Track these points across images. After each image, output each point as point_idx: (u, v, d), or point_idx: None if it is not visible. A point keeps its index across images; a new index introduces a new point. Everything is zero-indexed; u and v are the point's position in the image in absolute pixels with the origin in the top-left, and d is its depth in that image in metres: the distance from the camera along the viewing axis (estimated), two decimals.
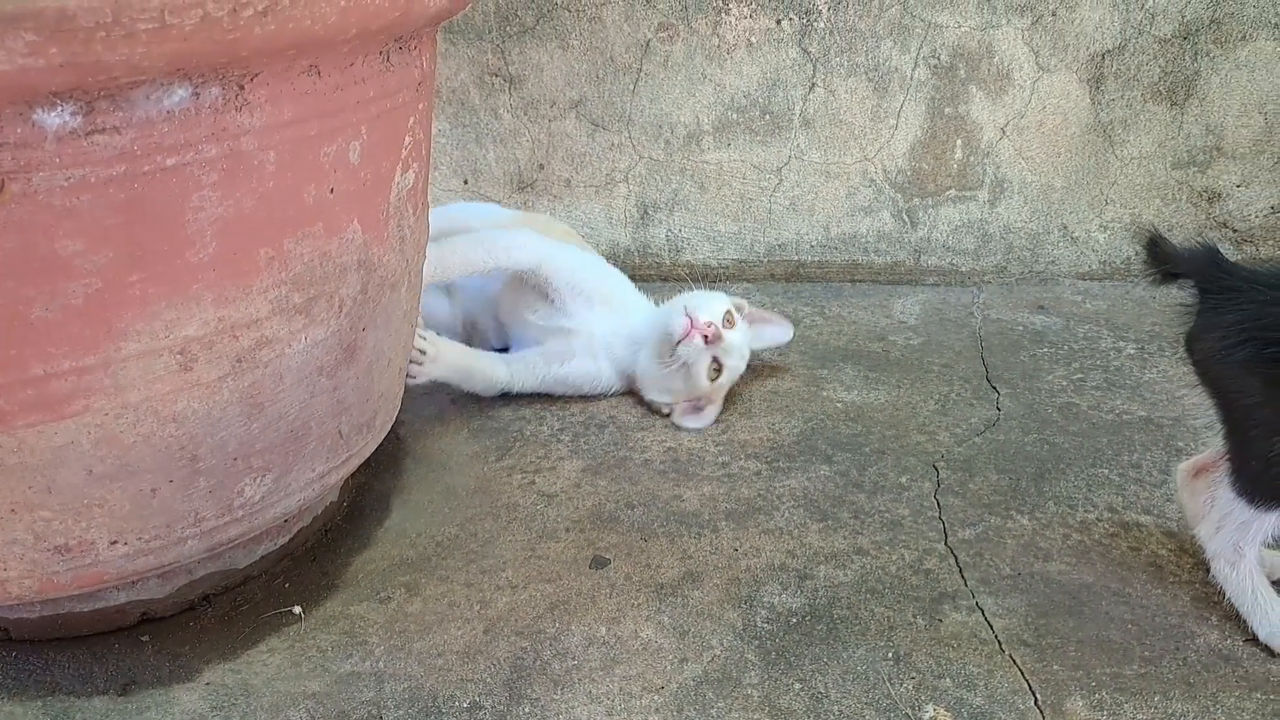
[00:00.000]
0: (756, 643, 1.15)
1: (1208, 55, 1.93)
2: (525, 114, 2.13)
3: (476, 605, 1.23)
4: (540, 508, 1.42)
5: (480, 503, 1.44)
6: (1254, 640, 1.12)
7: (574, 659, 1.13)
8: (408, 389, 1.51)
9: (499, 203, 2.16)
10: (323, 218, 1.11)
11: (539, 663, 1.13)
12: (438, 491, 1.47)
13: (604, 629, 1.18)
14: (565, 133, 2.13)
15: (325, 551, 1.35)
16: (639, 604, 1.22)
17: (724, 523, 1.37)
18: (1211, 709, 1.03)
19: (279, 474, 1.18)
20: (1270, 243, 1.95)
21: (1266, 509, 1.08)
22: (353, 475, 1.37)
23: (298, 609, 1.24)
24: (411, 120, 1.22)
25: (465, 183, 2.20)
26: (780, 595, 1.23)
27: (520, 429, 1.62)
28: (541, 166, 2.16)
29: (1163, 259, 1.13)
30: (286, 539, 1.34)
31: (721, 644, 1.15)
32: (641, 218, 2.16)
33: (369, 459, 1.38)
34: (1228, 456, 1.10)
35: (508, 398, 1.71)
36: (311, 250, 1.10)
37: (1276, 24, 1.89)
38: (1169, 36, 1.93)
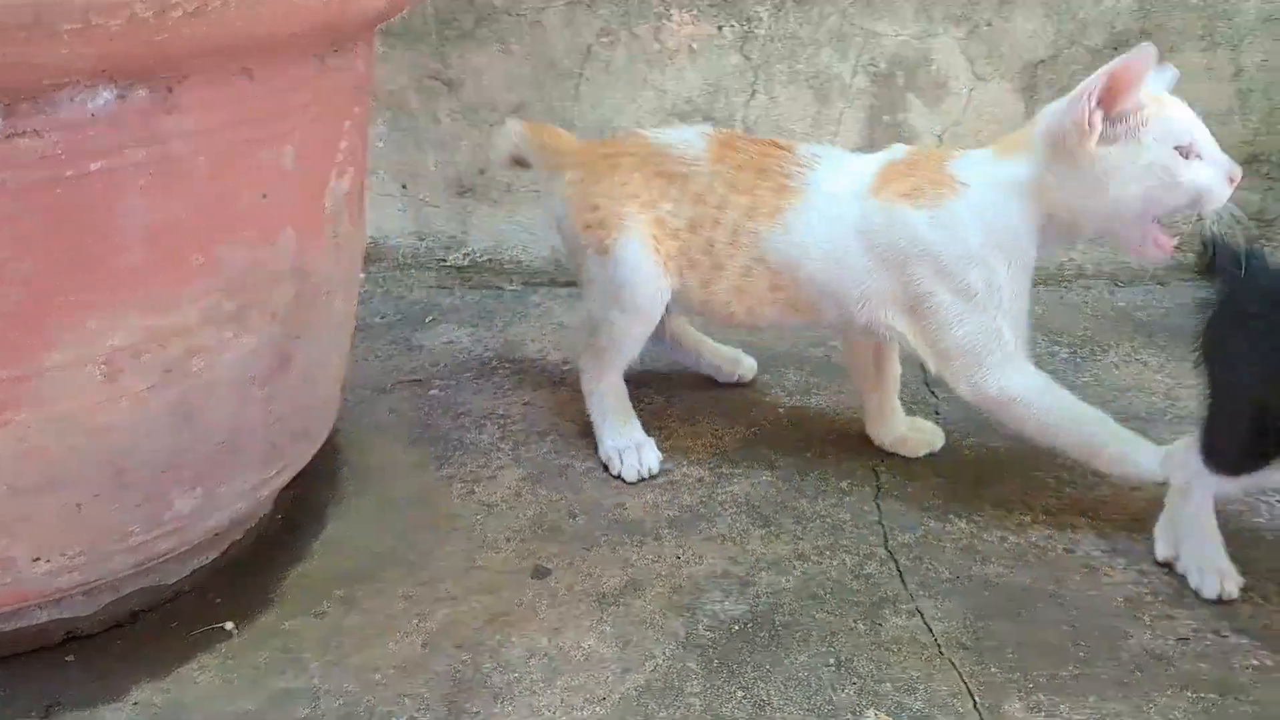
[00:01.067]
0: (699, 651, 1.15)
1: None
2: (465, 118, 2.11)
3: (415, 618, 1.21)
4: (480, 518, 1.40)
5: (419, 513, 1.42)
6: (1185, 640, 1.14)
7: (515, 671, 1.12)
8: (344, 400, 1.48)
9: (437, 208, 2.14)
10: (256, 223, 1.09)
11: (479, 676, 1.12)
12: (375, 502, 1.45)
13: (545, 640, 1.17)
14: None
15: (259, 565, 1.32)
16: (581, 614, 1.21)
17: (666, 530, 1.36)
18: (1145, 708, 1.05)
19: (210, 486, 1.16)
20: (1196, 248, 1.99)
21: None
22: (288, 486, 1.35)
23: (230, 625, 1.21)
24: (347, 124, 1.20)
25: (404, 187, 2.17)
26: (723, 603, 1.22)
27: (460, 437, 1.60)
28: (482, 171, 2.14)
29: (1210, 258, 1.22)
30: (218, 553, 1.31)
31: (664, 653, 1.15)
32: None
33: (305, 469, 1.35)
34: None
35: (447, 406, 1.69)
36: (244, 257, 1.08)
37: (1202, 36, 1.94)
38: (1100, 47, 1.97)
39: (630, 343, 1.49)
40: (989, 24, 1.98)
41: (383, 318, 2.05)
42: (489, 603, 1.23)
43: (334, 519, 1.41)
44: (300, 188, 1.14)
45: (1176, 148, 1.24)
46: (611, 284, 1.45)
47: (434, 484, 1.48)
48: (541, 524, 1.38)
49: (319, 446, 1.37)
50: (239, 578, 1.30)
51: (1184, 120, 1.26)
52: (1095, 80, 1.22)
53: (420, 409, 1.69)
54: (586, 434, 1.57)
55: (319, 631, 1.20)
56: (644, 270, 1.43)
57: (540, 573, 1.29)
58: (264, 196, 1.08)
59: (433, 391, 1.76)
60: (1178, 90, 1.27)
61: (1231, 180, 1.26)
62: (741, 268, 1.41)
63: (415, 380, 1.80)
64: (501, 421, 1.65)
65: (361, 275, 2.17)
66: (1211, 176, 1.25)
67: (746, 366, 1.75)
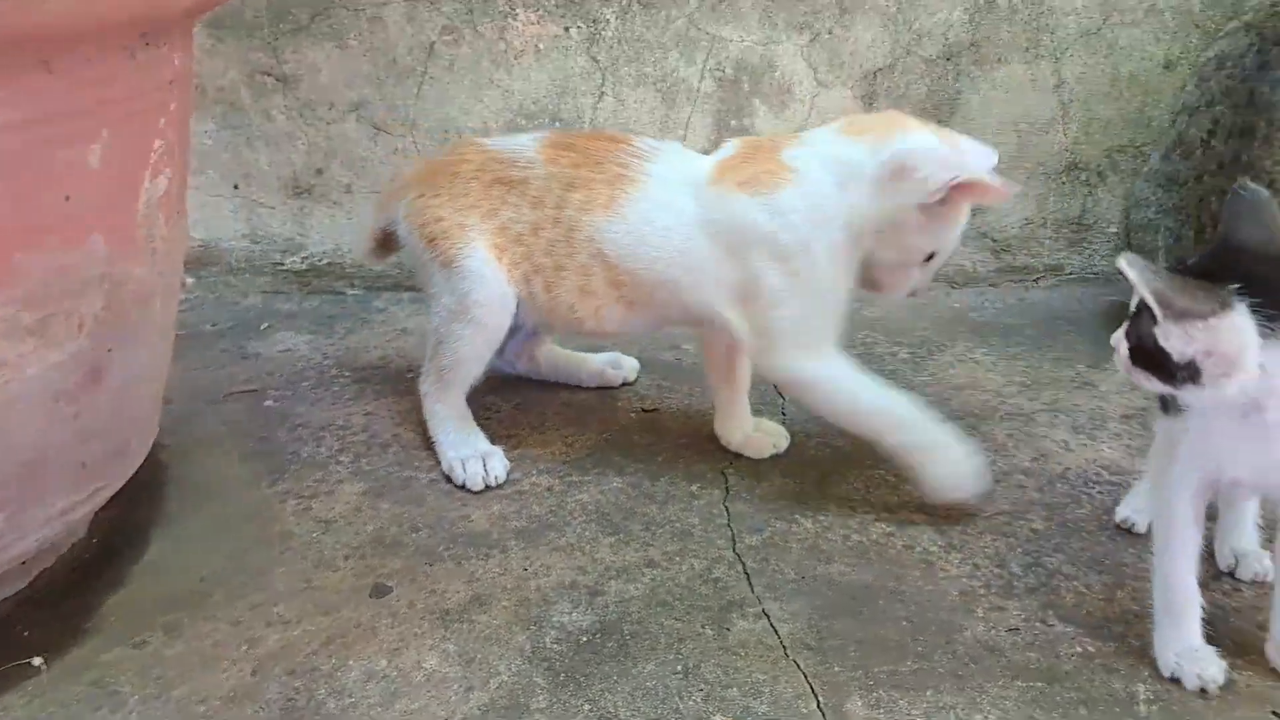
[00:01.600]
0: (546, 665, 1.12)
1: (968, 76, 2.05)
2: (301, 116, 2.02)
3: (245, 644, 1.15)
4: (317, 535, 1.34)
5: (251, 532, 1.34)
6: (1015, 630, 1.18)
7: (351, 696, 1.07)
8: (167, 412, 1.40)
9: (272, 209, 2.06)
10: (59, 228, 1.01)
11: (313, 703, 1.06)
12: (204, 521, 1.37)
13: (385, 661, 1.12)
14: (345, 136, 2.04)
15: (72, 594, 1.23)
16: (423, 632, 1.17)
17: (514, 542, 1.33)
18: (978, 699, 1.08)
19: (12, 512, 1.07)
20: (1023, 252, 2.09)
21: None
22: (105, 507, 1.26)
23: (38, 660, 1.12)
24: (163, 122, 1.12)
25: (236, 188, 2.07)
26: (571, 614, 1.20)
27: (297, 450, 1.53)
28: (320, 171, 2.06)
29: None
30: (26, 583, 1.22)
31: (509, 669, 1.12)
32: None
33: (125, 489, 1.26)
34: None
35: (284, 418, 1.61)
36: (45, 264, 1.00)
37: (1026, 48, 2.03)
38: (934, 57, 2.04)
39: (474, 359, 1.47)
40: (830, 32, 2.02)
41: (214, 325, 1.95)
42: (325, 624, 1.18)
43: (157, 541, 1.33)
44: (110, 189, 1.06)
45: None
46: (456, 295, 1.43)
47: (268, 500, 1.41)
48: (382, 540, 1.33)
49: (139, 464, 1.29)
50: (49, 608, 1.20)
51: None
52: (973, 177, 1.30)
53: (254, 421, 1.61)
54: (430, 445, 1.52)
55: (139, 663, 1.12)
56: (488, 279, 1.42)
57: (380, 591, 1.24)
58: (67, 199, 1.00)
59: (268, 402, 1.68)
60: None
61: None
62: (581, 266, 1.41)
63: (249, 391, 1.71)
64: (341, 433, 1.58)
65: (191, 281, 2.07)
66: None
67: (629, 367, 1.75)
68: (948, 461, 1.38)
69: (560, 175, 1.41)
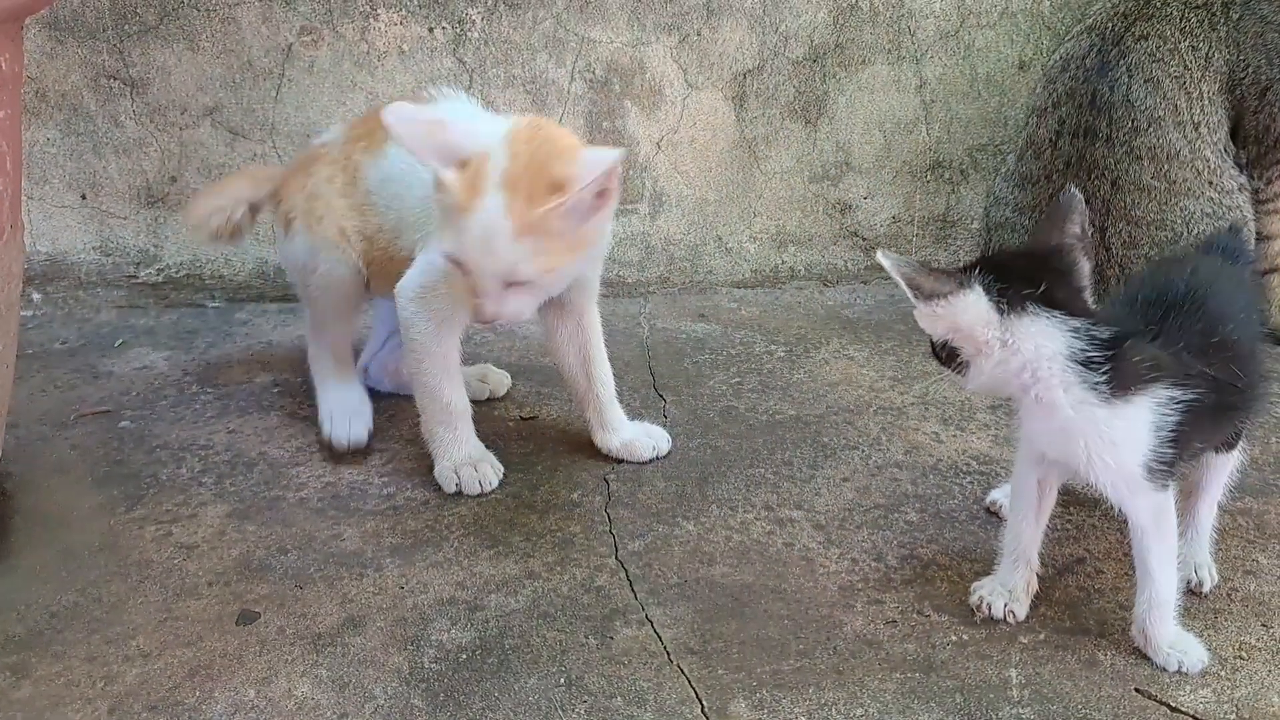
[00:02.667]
0: (424, 685, 1.09)
1: (834, 77, 2.08)
2: (152, 121, 1.93)
3: (100, 681, 1.08)
4: (178, 562, 1.28)
5: (106, 562, 1.27)
6: (893, 623, 1.20)
7: None
8: (11, 438, 1.31)
9: (124, 219, 1.96)
10: None
11: None
12: (53, 553, 1.29)
13: (253, 691, 1.07)
14: (200, 141, 1.96)
15: None
16: (293, 659, 1.12)
17: (389, 559, 1.29)
18: (859, 694, 1.09)
19: None
20: (892, 249, 2.12)
21: None
22: None
23: None
24: None
25: (83, 198, 1.96)
26: (449, 631, 1.17)
27: (155, 473, 1.46)
28: (174, 179, 1.97)
29: None
30: None
31: (385, 692, 1.08)
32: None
33: None
34: None
35: (140, 439, 1.53)
36: None
37: (889, 49, 2.08)
38: (801, 59, 2.07)
39: (333, 307, 1.55)
40: (699, 34, 2.03)
41: (63, 343, 1.85)
42: (188, 656, 1.12)
43: (1, 576, 1.24)
44: None
45: None
46: (304, 257, 1.52)
47: (124, 528, 1.34)
48: (248, 563, 1.28)
49: None
50: None
51: None
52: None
53: (108, 444, 1.52)
54: (299, 462, 1.47)
55: None
56: (327, 240, 1.49)
57: (247, 617, 1.18)
58: None
59: (123, 424, 1.59)
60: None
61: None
62: (357, 206, 1.48)
63: (102, 412, 1.62)
64: (203, 453, 1.51)
65: (38, 297, 1.96)
66: None
67: (496, 381, 1.72)
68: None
69: (357, 137, 1.51)
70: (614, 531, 1.37)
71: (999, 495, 1.40)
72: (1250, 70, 1.75)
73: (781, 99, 2.09)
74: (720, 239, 2.18)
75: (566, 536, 1.35)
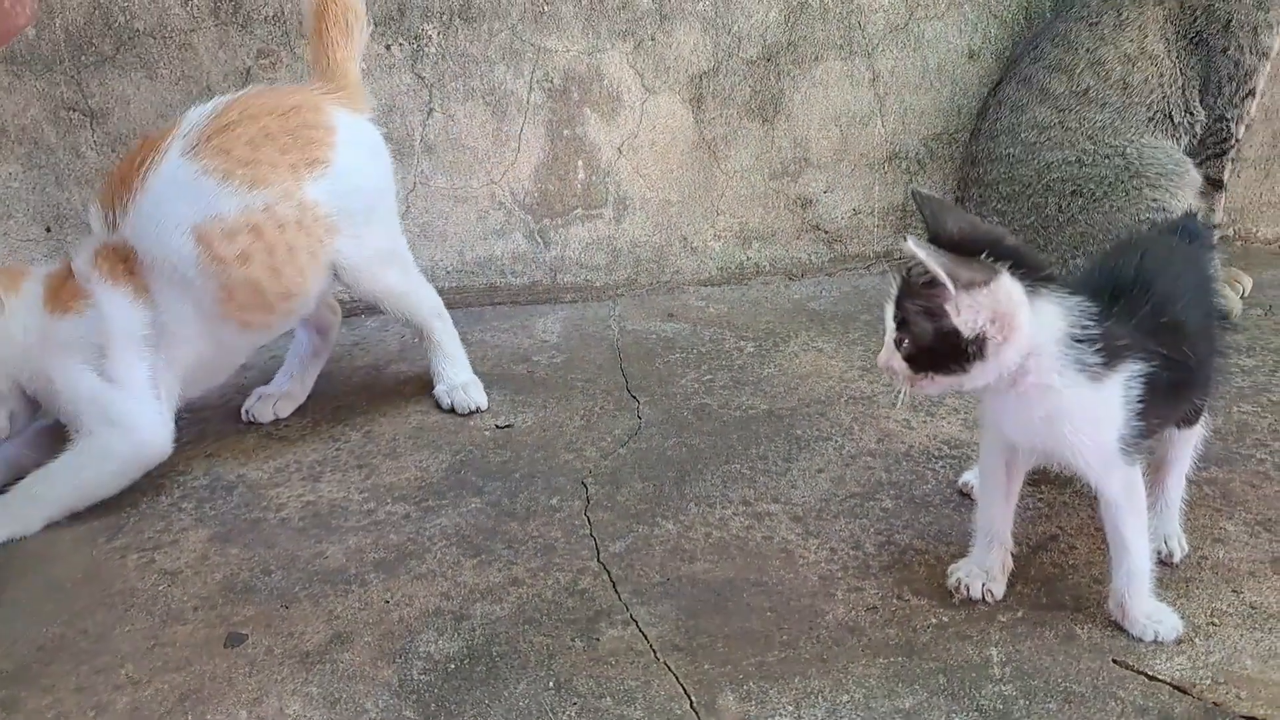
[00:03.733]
0: (414, 697, 1.10)
1: (789, 75, 2.11)
2: (113, 150, 1.93)
3: (91, 712, 1.09)
4: (163, 588, 1.28)
5: (91, 593, 1.27)
6: (874, 609, 1.23)
7: None
8: None
9: None
10: None
11: None
12: (37, 586, 1.29)
13: (245, 713, 1.08)
14: None
15: None
16: (283, 678, 1.13)
17: (373, 574, 1.30)
18: (844, 680, 1.11)
19: None
20: (854, 241, 2.17)
21: None
22: None
23: None
24: None
25: (48, 230, 1.96)
26: (437, 642, 1.18)
27: (135, 501, 1.46)
28: None
29: None
30: None
31: (377, 706, 1.09)
32: None
33: None
34: None
35: None
36: None
37: (841, 45, 2.10)
38: (755, 59, 2.09)
39: None
40: (653, 39, 2.05)
41: None
42: (178, 681, 1.12)
43: None
44: None
45: None
46: None
47: (106, 557, 1.34)
48: (233, 586, 1.28)
49: None
50: None
51: None
52: None
53: None
54: (278, 482, 1.48)
55: None
56: None
57: (235, 640, 1.19)
58: None
59: None
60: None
61: None
62: None
63: None
64: (181, 479, 1.52)
65: None
66: None
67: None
68: None
69: None
70: (595, 534, 1.38)
71: (970, 477, 1.43)
72: (1204, 7, 1.88)
73: (738, 99, 2.11)
74: (685, 239, 2.20)
75: (548, 542, 1.37)
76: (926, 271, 1.00)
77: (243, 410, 1.69)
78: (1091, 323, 1.06)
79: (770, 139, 2.15)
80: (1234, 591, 1.23)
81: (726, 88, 2.10)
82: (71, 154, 1.93)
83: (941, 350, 1.04)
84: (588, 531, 1.39)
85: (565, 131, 2.09)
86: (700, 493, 1.47)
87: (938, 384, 1.08)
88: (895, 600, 1.24)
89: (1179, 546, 1.28)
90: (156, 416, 1.46)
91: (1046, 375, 1.06)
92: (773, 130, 2.14)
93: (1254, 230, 2.25)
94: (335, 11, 1.58)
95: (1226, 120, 1.92)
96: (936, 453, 1.54)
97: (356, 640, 1.19)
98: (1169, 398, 1.13)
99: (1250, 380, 1.69)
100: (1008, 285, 1.02)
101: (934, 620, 1.20)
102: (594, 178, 2.13)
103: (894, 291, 1.07)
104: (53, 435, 1.50)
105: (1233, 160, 1.97)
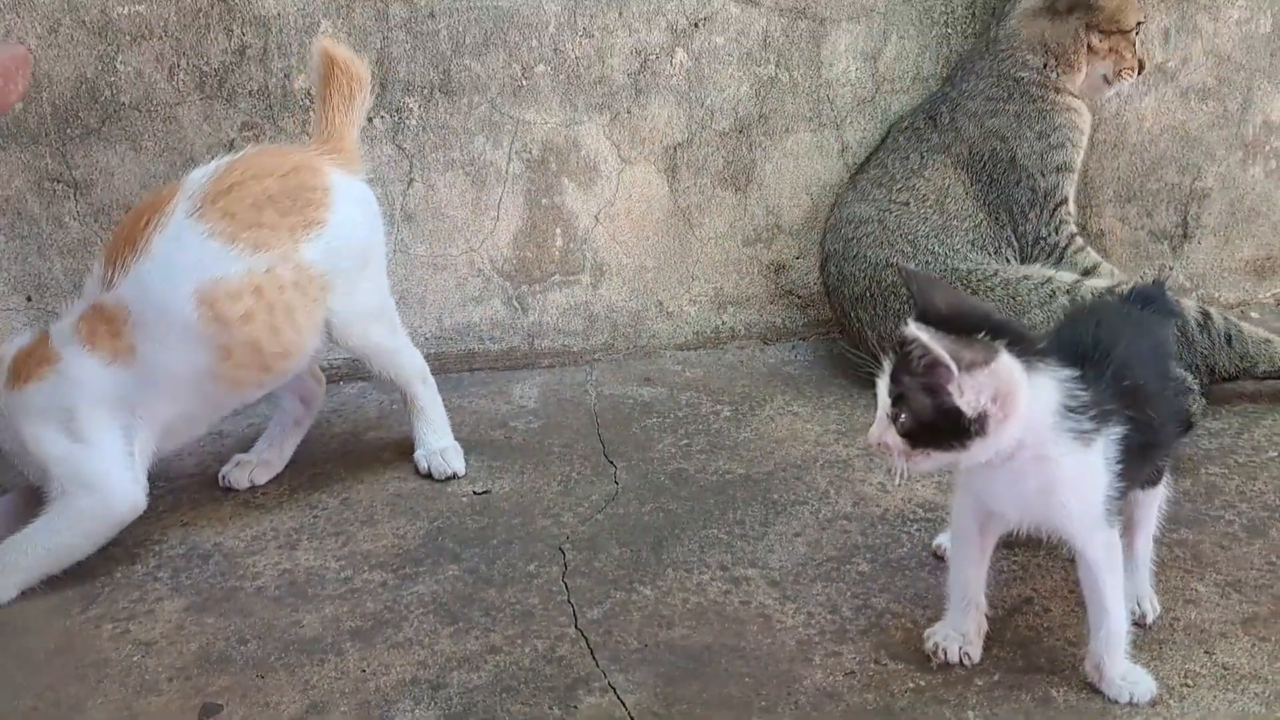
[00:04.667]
0: None
1: (761, 146, 2.16)
2: (96, 221, 1.95)
3: None
4: (137, 659, 1.27)
5: (64, 664, 1.26)
6: (852, 674, 1.23)
7: None
8: None
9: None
10: None
11: None
12: (9, 658, 1.28)
13: None
14: None
15: None
16: None
17: (349, 643, 1.30)
18: None
19: None
20: (828, 306, 2.19)
21: None
22: None
23: None
24: None
25: (29, 299, 1.97)
26: (414, 711, 1.18)
27: (110, 571, 1.45)
28: None
29: None
30: None
31: None
32: None
33: None
34: None
35: None
36: None
37: (811, 117, 2.16)
38: (727, 130, 2.15)
39: None
40: (629, 111, 2.10)
41: None
42: None
43: None
44: None
45: None
46: None
47: (80, 628, 1.33)
48: (209, 656, 1.27)
49: None
50: None
51: None
52: None
53: None
54: (254, 550, 1.48)
55: None
56: None
57: (209, 710, 1.18)
58: None
59: None
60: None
61: None
62: None
63: None
64: (157, 547, 1.51)
65: None
66: None
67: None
68: None
69: None
70: (572, 600, 1.38)
71: (943, 540, 1.44)
72: (989, 153, 1.99)
73: (711, 169, 2.16)
74: (661, 304, 2.23)
75: (526, 608, 1.37)
76: (927, 352, 1.01)
77: (220, 475, 1.69)
78: (1081, 391, 1.08)
79: (744, 207, 2.19)
80: (1206, 653, 1.24)
81: (700, 158, 2.15)
82: (54, 224, 1.95)
83: (941, 427, 1.05)
84: (565, 598, 1.39)
85: (543, 200, 2.13)
86: (678, 558, 1.47)
87: (934, 459, 1.09)
88: (873, 665, 1.25)
89: (1151, 607, 1.30)
90: (128, 474, 1.46)
91: (1044, 447, 1.08)
92: (746, 199, 2.19)
93: (1215, 295, 2.30)
94: (340, 78, 1.63)
95: (1043, 239, 1.99)
96: (911, 515, 1.55)
97: (333, 710, 1.18)
98: (1138, 459, 1.16)
99: (1217, 442, 1.73)
100: (1008, 363, 1.04)
101: (911, 684, 1.21)
102: (571, 245, 2.16)
103: (888, 368, 1.08)
104: (25, 502, 1.50)
105: (1086, 248, 2.01)
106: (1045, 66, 1.98)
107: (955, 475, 1.27)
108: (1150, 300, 1.31)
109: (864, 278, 1.96)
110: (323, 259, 1.55)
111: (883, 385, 1.09)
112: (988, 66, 2.02)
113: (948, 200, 1.99)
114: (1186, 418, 1.65)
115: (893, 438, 1.08)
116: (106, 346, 1.46)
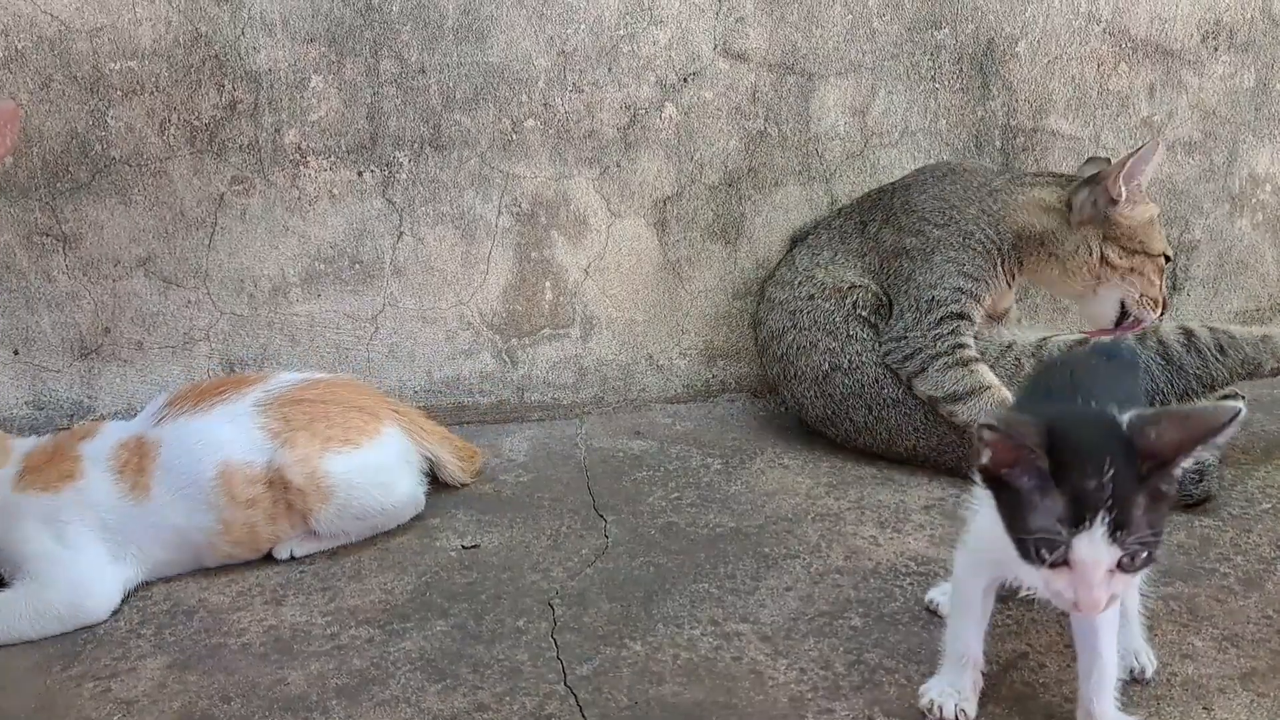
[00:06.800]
0: None
1: (750, 199, 2.18)
2: (84, 274, 1.95)
3: None
4: (118, 719, 1.24)
5: None
6: None
7: None
8: None
9: (57, 372, 1.95)
10: None
11: None
12: None
13: None
14: (133, 292, 1.98)
15: None
16: None
17: (334, 701, 1.27)
18: None
19: None
20: None
21: None
22: None
23: None
24: None
25: (16, 353, 1.96)
26: None
27: (92, 628, 1.43)
28: (107, 330, 1.98)
29: None
30: None
31: None
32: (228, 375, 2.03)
33: None
34: None
35: None
36: None
37: (800, 171, 2.19)
38: (717, 184, 2.17)
39: None
40: (618, 165, 2.12)
41: None
42: None
43: None
44: None
45: None
46: None
47: (60, 686, 1.31)
48: (191, 715, 1.25)
49: None
50: None
51: None
52: None
53: None
54: (239, 606, 1.45)
55: None
56: None
57: None
58: None
59: None
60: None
61: None
62: None
63: None
64: (141, 603, 1.49)
65: None
66: None
67: None
68: None
69: None
70: (562, 657, 1.36)
71: (936, 595, 1.43)
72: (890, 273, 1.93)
73: (701, 222, 2.18)
74: (651, 357, 2.23)
75: (514, 665, 1.35)
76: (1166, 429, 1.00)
77: None
78: None
79: (733, 260, 2.21)
80: (1205, 709, 1.23)
81: (690, 211, 2.17)
82: (43, 278, 1.95)
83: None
84: (554, 654, 1.37)
85: (533, 254, 2.14)
86: (668, 613, 1.46)
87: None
88: None
89: (1149, 661, 1.28)
90: (101, 585, 1.47)
91: None
92: (735, 252, 2.20)
93: None
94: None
95: (908, 338, 1.85)
96: (904, 569, 1.54)
97: None
98: None
99: None
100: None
101: None
102: (561, 298, 2.17)
103: (1108, 482, 0.99)
104: None
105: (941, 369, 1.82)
106: (1024, 255, 1.86)
107: (958, 532, 1.27)
108: (1112, 354, 1.32)
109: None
110: (339, 474, 1.60)
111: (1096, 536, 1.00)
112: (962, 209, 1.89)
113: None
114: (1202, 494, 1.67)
115: (1119, 584, 1.03)
116: (130, 479, 1.51)
